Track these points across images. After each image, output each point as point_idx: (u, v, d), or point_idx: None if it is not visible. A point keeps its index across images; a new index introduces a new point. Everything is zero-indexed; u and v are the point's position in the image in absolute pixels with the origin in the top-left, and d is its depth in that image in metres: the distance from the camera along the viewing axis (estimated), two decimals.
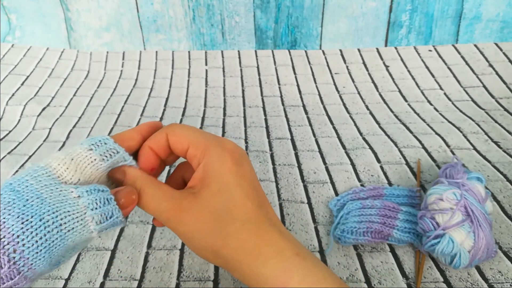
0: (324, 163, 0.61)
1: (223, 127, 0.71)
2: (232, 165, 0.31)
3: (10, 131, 0.71)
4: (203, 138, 0.31)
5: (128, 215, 0.30)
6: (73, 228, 0.26)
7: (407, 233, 0.45)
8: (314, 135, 0.68)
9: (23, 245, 0.24)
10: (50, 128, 0.72)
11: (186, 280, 0.43)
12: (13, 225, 0.24)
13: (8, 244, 0.24)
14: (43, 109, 0.77)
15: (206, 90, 0.84)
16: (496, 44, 0.87)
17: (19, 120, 0.75)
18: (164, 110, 0.77)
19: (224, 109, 0.77)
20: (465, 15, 0.86)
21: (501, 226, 0.48)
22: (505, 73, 0.82)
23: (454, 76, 0.83)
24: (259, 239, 0.29)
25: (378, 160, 0.60)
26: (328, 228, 0.49)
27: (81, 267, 0.45)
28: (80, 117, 0.75)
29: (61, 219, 0.26)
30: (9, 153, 0.65)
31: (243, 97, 0.81)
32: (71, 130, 0.71)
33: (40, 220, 0.25)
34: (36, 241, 0.25)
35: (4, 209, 0.25)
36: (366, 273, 0.43)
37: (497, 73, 0.82)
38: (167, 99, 0.81)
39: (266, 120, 0.73)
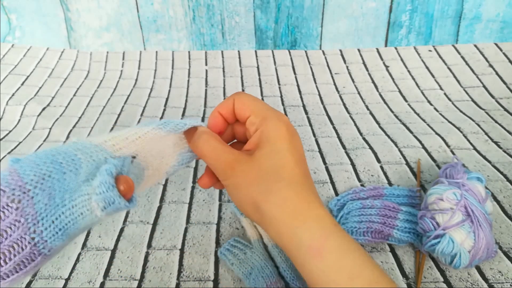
0: (324, 163, 0.61)
1: None
2: (286, 134, 0.33)
3: (10, 131, 0.71)
4: (264, 109, 0.34)
5: (133, 198, 0.29)
6: (81, 213, 0.27)
7: (407, 233, 0.45)
8: (314, 135, 0.68)
9: (42, 225, 0.25)
10: (50, 128, 0.72)
11: (186, 280, 0.43)
12: (39, 201, 0.25)
13: (30, 222, 0.25)
14: (43, 109, 0.77)
15: (206, 90, 0.84)
16: (496, 44, 0.87)
17: (19, 120, 0.75)
18: (164, 110, 0.77)
19: None
20: (465, 15, 0.86)
21: (501, 226, 0.48)
22: (505, 73, 0.82)
23: (454, 76, 0.83)
24: (301, 201, 0.31)
25: (378, 160, 0.60)
26: None
27: (81, 267, 0.45)
28: (80, 117, 0.75)
29: (75, 199, 0.26)
30: (9, 153, 0.65)
31: None
32: (71, 130, 0.71)
33: (60, 198, 0.26)
34: (53, 221, 0.25)
35: (37, 182, 0.25)
36: None
37: (497, 73, 0.82)
38: (167, 99, 0.81)
39: None
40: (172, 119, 0.34)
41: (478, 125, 0.68)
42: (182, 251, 0.46)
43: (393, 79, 0.84)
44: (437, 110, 0.74)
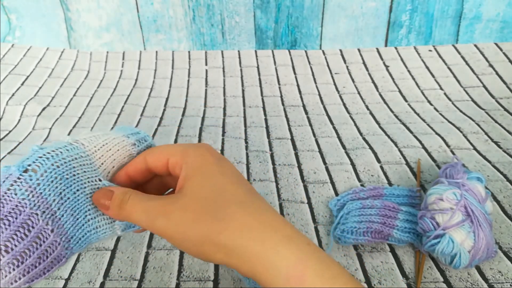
0: (324, 163, 0.61)
1: (223, 127, 0.71)
2: (213, 158, 0.30)
3: (10, 131, 0.71)
4: (180, 146, 0.31)
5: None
6: (104, 232, 0.30)
7: (407, 233, 0.45)
8: (314, 135, 0.68)
9: (73, 242, 0.28)
10: (50, 128, 0.72)
11: (186, 280, 0.43)
12: (66, 221, 0.27)
13: (64, 240, 0.27)
14: (43, 109, 0.77)
15: (206, 90, 0.84)
16: (496, 44, 0.87)
17: (19, 120, 0.75)
18: (164, 110, 0.77)
19: (224, 109, 0.77)
20: (465, 15, 0.86)
21: (501, 226, 0.48)
22: (505, 73, 0.82)
23: (454, 76, 0.83)
24: (261, 223, 0.27)
25: (378, 160, 0.60)
26: (328, 228, 0.49)
27: (81, 267, 0.45)
28: (80, 117, 0.75)
29: (98, 221, 0.29)
30: (9, 153, 0.65)
31: (243, 97, 0.81)
32: (71, 130, 0.71)
33: (82, 215, 0.28)
34: (80, 239, 0.28)
35: (58, 202, 0.27)
36: (366, 273, 0.43)
37: (497, 73, 0.82)
38: (167, 99, 0.81)
39: (266, 120, 0.73)
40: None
41: (478, 125, 0.68)
42: (182, 251, 0.46)
43: (393, 79, 0.84)
44: (437, 110, 0.74)
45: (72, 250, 0.28)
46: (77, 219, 0.28)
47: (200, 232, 0.27)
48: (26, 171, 0.26)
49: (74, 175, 0.28)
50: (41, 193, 0.26)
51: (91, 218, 0.29)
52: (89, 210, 0.29)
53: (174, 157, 0.30)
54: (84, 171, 0.29)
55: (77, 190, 0.28)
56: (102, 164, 0.31)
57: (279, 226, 0.27)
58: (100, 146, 0.31)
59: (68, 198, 0.28)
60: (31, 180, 0.26)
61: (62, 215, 0.27)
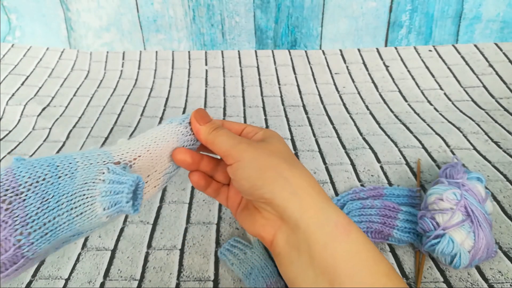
0: (324, 163, 0.61)
1: None
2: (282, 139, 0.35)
3: (10, 131, 0.71)
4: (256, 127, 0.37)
5: (137, 204, 0.29)
6: (81, 213, 0.26)
7: (407, 233, 0.45)
8: (314, 135, 0.68)
9: (31, 227, 0.25)
10: (50, 128, 0.72)
11: (186, 280, 0.43)
12: (31, 204, 0.25)
13: (18, 224, 0.25)
14: (43, 109, 0.77)
15: (206, 90, 0.84)
16: (496, 44, 0.87)
17: (19, 120, 0.75)
18: (164, 110, 0.77)
19: (224, 109, 0.77)
20: (465, 15, 0.86)
21: (501, 226, 0.48)
22: (505, 73, 0.82)
23: (454, 76, 0.83)
24: (317, 184, 0.31)
25: (378, 160, 0.60)
26: None
27: (81, 267, 0.45)
28: (80, 117, 0.75)
29: (74, 202, 0.26)
30: (9, 153, 0.65)
31: (243, 97, 0.81)
32: (71, 130, 0.71)
33: (56, 202, 0.26)
34: (44, 224, 0.25)
35: (31, 184, 0.25)
36: None
37: (497, 73, 0.82)
38: (167, 99, 0.81)
39: (266, 120, 0.73)
40: (172, 118, 0.35)
41: (478, 125, 0.68)
42: (182, 251, 0.46)
43: (393, 79, 0.84)
44: (437, 110, 0.74)
45: (29, 238, 0.25)
46: (48, 203, 0.26)
47: (273, 162, 0.30)
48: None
49: (69, 163, 0.27)
50: (15, 173, 0.25)
51: (67, 201, 0.26)
52: (71, 196, 0.26)
53: (250, 127, 0.36)
54: (86, 158, 0.28)
55: (59, 178, 0.26)
56: (123, 154, 0.30)
57: (325, 192, 0.31)
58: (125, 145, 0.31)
59: (47, 182, 0.26)
60: (20, 162, 0.26)
61: (29, 197, 0.25)
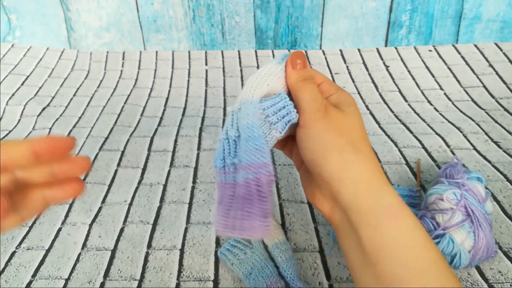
0: None
1: (223, 127, 0.71)
2: (356, 107, 0.35)
3: (10, 131, 0.71)
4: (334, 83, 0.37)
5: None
6: (264, 132, 0.33)
7: None
8: None
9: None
10: (50, 128, 0.72)
11: (186, 280, 0.43)
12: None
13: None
14: (43, 109, 0.77)
15: (206, 90, 0.84)
16: (496, 44, 0.87)
17: (19, 120, 0.75)
18: (164, 110, 0.77)
19: (224, 109, 0.77)
20: (465, 15, 0.86)
21: (501, 226, 0.48)
22: (505, 73, 0.82)
23: (454, 76, 0.83)
24: (379, 168, 0.31)
25: (378, 160, 0.60)
26: (328, 228, 0.49)
27: (81, 267, 0.45)
28: (80, 117, 0.75)
29: (263, 131, 0.33)
30: None
31: None
32: (71, 130, 0.71)
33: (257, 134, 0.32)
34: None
35: (251, 126, 0.32)
36: None
37: (497, 73, 0.82)
38: (167, 99, 0.81)
39: None
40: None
41: (478, 125, 0.68)
42: (182, 251, 0.46)
43: (393, 79, 0.84)
44: (437, 110, 0.74)
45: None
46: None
47: (340, 142, 0.31)
48: None
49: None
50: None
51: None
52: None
53: (326, 84, 0.35)
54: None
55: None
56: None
57: (386, 178, 0.32)
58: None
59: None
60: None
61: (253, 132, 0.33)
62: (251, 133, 0.32)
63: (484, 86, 0.80)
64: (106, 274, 0.44)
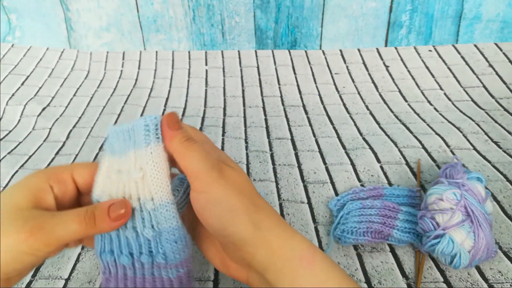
0: (324, 163, 0.61)
1: (223, 127, 0.71)
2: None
3: (10, 131, 0.71)
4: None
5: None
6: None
7: (407, 233, 0.45)
8: (314, 135, 0.68)
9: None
10: (50, 128, 0.72)
11: None
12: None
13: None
14: (43, 109, 0.77)
15: (206, 90, 0.84)
16: (496, 44, 0.87)
17: (19, 120, 0.75)
18: (164, 110, 0.77)
19: (224, 109, 0.77)
20: (465, 15, 0.86)
21: (501, 226, 0.48)
22: (505, 73, 0.82)
23: (454, 76, 0.83)
24: (280, 217, 0.31)
25: (378, 160, 0.60)
26: (328, 228, 0.49)
27: (81, 267, 0.45)
28: (80, 117, 0.75)
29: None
30: (9, 153, 0.65)
31: (243, 97, 0.81)
32: (71, 130, 0.71)
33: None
34: None
35: (175, 228, 0.32)
36: (366, 273, 0.43)
37: (497, 73, 0.82)
38: (167, 99, 0.81)
39: (266, 120, 0.73)
40: (137, 124, 0.33)
41: (478, 125, 0.68)
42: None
43: (393, 79, 0.84)
44: (437, 110, 0.74)
45: None
46: None
47: (243, 203, 0.29)
48: None
49: None
50: None
51: None
52: None
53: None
54: None
55: None
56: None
57: (288, 224, 0.32)
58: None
59: None
60: None
61: None
62: (176, 233, 0.31)
63: (484, 86, 0.80)
64: None
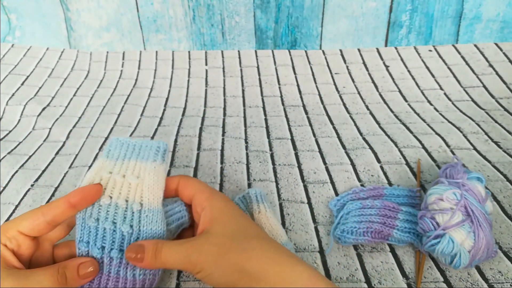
0: (324, 163, 0.61)
1: (223, 127, 0.71)
2: (232, 203, 0.37)
3: (10, 131, 0.71)
4: (208, 187, 0.38)
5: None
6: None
7: (407, 233, 0.45)
8: (314, 135, 0.68)
9: None
10: (50, 128, 0.72)
11: (186, 280, 0.43)
12: None
13: None
14: (43, 109, 0.77)
15: (206, 90, 0.84)
16: (496, 44, 0.87)
17: (19, 120, 0.75)
18: (164, 110, 0.77)
19: (224, 109, 0.77)
20: (465, 15, 0.86)
21: (501, 226, 0.48)
22: (505, 73, 0.82)
23: (454, 76, 0.83)
24: (277, 249, 0.33)
25: (378, 160, 0.60)
26: (328, 228, 0.49)
27: None
28: (80, 117, 0.75)
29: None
30: (9, 153, 0.65)
31: (243, 97, 0.81)
32: (71, 130, 0.71)
33: None
34: None
35: (156, 232, 0.37)
36: (366, 273, 0.43)
37: (497, 73, 0.82)
38: (167, 99, 0.81)
39: (266, 120, 0.73)
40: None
41: (478, 125, 0.68)
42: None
43: (393, 79, 0.84)
44: (437, 110, 0.74)
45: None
46: None
47: (230, 261, 0.32)
48: None
49: None
50: None
51: None
52: None
53: (202, 194, 0.37)
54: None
55: None
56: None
57: (290, 253, 0.33)
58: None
59: None
60: None
61: None
62: (155, 237, 0.35)
63: (484, 86, 0.80)
64: None
